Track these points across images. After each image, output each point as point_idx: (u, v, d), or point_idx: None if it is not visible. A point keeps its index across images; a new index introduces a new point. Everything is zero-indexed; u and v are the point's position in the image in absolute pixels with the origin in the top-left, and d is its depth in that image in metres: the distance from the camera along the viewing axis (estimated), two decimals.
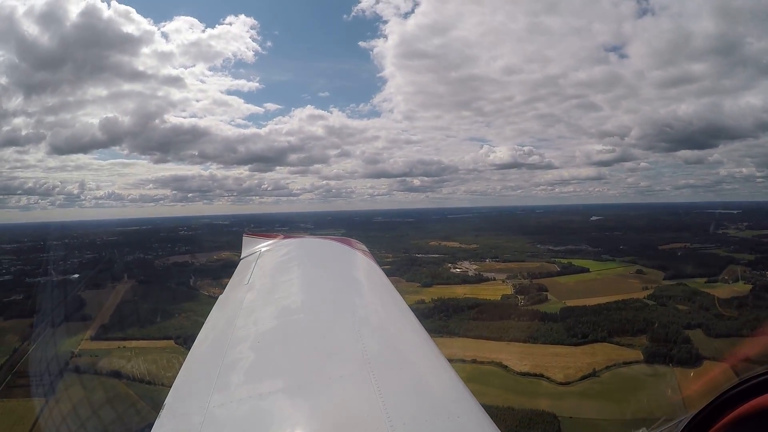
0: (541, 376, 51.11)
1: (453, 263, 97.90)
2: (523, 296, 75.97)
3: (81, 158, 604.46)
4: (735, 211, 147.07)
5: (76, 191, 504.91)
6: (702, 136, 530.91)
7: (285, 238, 8.74)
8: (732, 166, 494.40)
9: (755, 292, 65.15)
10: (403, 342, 4.07)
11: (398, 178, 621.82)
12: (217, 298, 5.83)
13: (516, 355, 54.92)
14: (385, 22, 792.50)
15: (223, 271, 64.38)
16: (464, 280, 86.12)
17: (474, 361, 53.21)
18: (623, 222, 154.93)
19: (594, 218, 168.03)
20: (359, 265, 6.69)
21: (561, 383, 49.80)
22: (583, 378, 50.28)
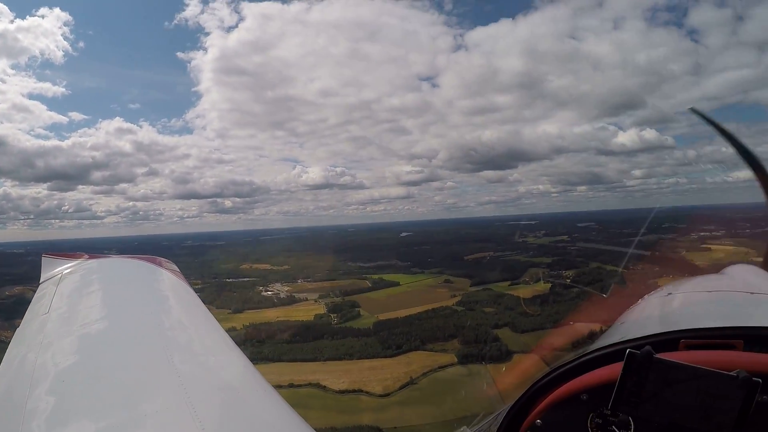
0: (360, 391, 51.66)
1: (264, 286, 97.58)
2: (336, 314, 77.44)
3: None
4: (533, 222, 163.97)
5: None
6: (503, 159, 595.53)
7: (90, 258, 7.58)
8: (530, 184, 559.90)
9: (554, 290, 71.24)
10: (220, 367, 3.68)
11: (209, 199, 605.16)
12: (8, 343, 4.70)
13: (333, 374, 55.42)
14: (207, 34, 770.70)
15: (16, 309, 55.02)
16: (276, 302, 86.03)
17: (291, 385, 52.23)
18: (431, 237, 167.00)
19: (403, 234, 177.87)
20: (169, 286, 6.08)
21: (381, 395, 50.62)
22: (402, 387, 51.64)
